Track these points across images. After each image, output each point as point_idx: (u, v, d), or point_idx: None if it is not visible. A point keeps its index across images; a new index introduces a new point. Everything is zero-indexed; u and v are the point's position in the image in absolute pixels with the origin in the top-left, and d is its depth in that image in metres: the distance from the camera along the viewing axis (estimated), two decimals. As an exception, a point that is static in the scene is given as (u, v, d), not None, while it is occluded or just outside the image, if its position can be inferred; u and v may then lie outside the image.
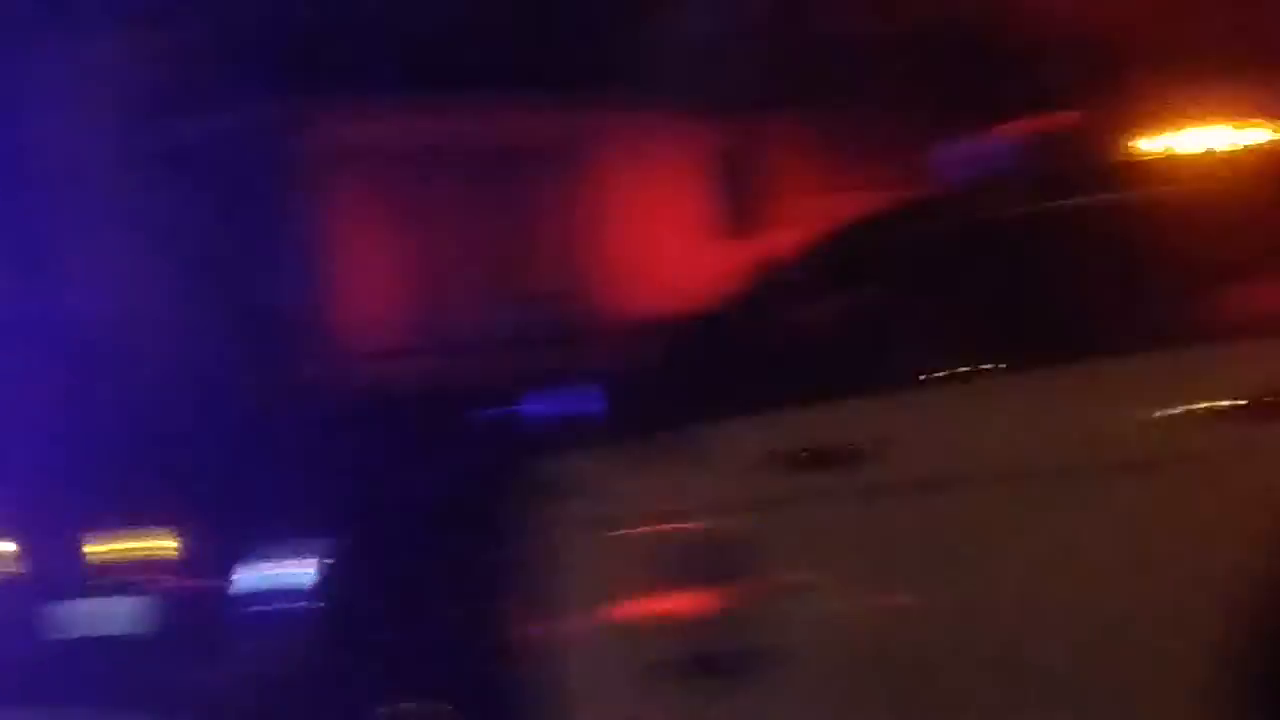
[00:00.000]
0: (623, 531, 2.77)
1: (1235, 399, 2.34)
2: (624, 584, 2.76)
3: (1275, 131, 2.64)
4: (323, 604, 3.04)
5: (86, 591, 4.28)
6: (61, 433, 4.81)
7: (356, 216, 7.40)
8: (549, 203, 7.87)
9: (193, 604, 3.82)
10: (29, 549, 4.45)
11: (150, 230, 7.45)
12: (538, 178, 7.83)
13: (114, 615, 4.21)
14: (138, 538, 4.22)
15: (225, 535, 3.59)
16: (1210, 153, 2.64)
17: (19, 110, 7.55)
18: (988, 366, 2.64)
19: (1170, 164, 2.66)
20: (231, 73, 7.10)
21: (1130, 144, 2.70)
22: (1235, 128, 2.66)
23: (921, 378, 2.67)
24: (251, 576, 3.21)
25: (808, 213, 6.18)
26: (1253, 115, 2.66)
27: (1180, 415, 2.39)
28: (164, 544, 4.15)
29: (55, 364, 5.58)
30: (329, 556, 3.05)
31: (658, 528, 2.76)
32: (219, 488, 3.92)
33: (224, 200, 7.15)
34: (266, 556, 3.18)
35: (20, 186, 7.40)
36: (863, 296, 2.89)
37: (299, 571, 3.09)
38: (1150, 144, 2.68)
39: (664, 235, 7.84)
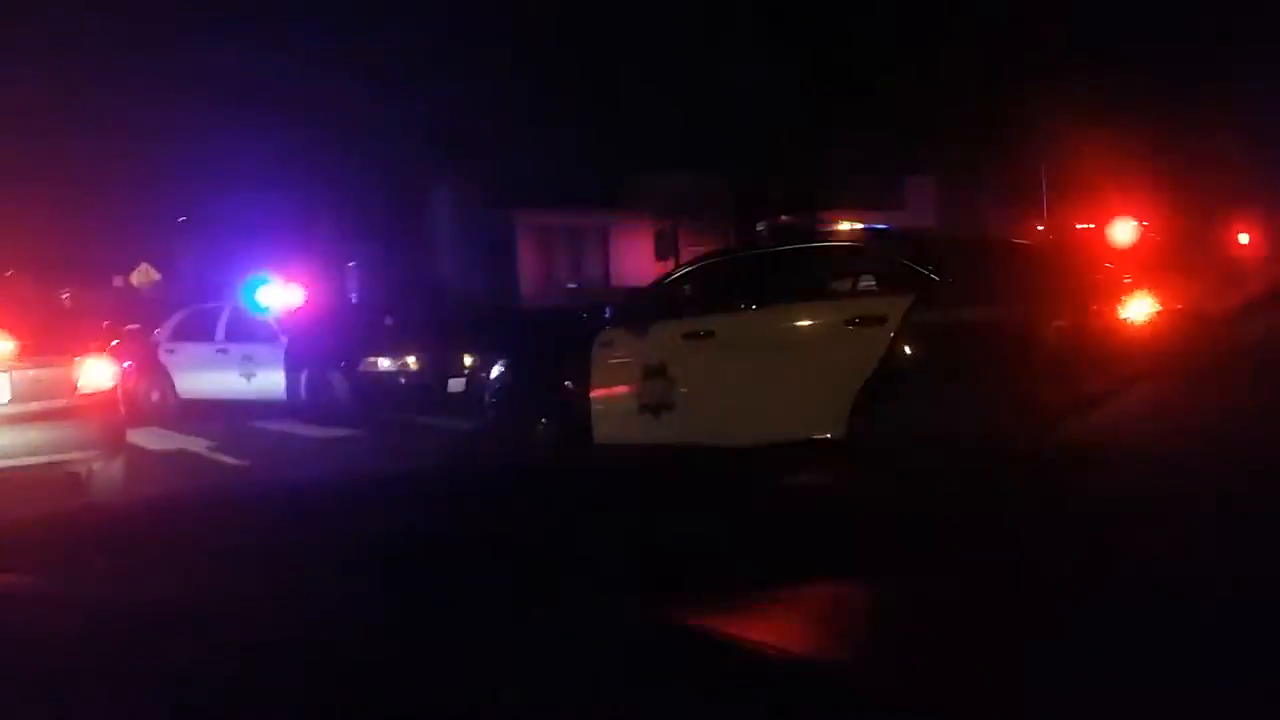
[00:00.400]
0: (620, 358, 7.59)
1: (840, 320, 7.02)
2: (619, 378, 7.56)
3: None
4: (505, 380, 8.03)
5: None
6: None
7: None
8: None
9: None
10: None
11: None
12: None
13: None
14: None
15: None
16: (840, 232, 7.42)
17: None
18: (750, 304, 7.43)
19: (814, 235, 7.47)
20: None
21: (808, 227, 7.48)
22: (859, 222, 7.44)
23: (728, 305, 7.47)
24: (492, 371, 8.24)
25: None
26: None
27: (815, 325, 7.12)
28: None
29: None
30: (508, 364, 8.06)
31: (633, 358, 7.55)
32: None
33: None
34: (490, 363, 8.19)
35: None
36: (707, 281, 7.70)
37: (498, 370, 8.08)
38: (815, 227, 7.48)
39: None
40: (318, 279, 16.77)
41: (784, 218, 7.24)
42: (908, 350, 6.61)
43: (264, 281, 14.52)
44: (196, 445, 11.19)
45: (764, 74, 17.18)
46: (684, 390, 7.23)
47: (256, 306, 14.33)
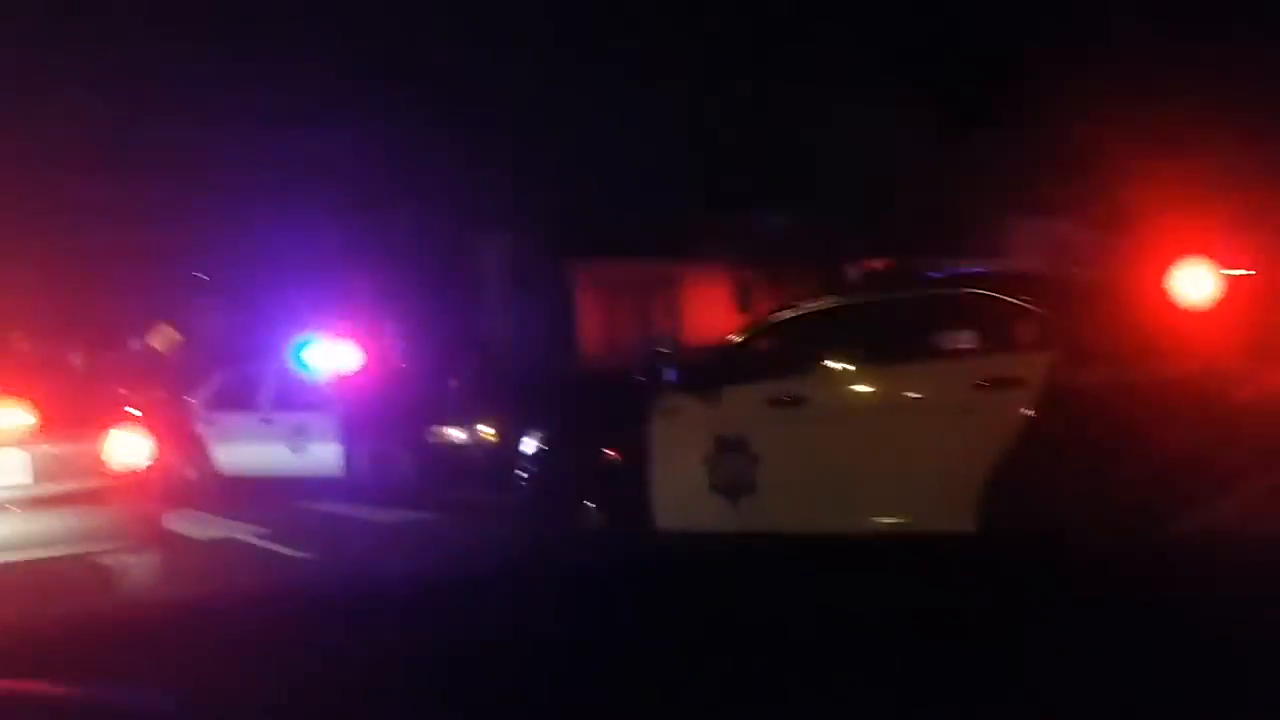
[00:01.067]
0: (687, 429, 6.25)
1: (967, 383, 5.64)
2: (686, 452, 6.22)
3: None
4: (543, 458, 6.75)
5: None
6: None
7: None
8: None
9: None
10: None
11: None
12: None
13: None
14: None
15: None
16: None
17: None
18: (848, 364, 6.07)
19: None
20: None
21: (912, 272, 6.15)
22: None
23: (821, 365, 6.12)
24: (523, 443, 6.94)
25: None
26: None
27: (935, 389, 5.74)
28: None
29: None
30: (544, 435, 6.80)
31: (703, 429, 6.21)
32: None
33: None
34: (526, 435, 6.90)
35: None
36: (793, 337, 6.36)
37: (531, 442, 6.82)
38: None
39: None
40: (372, 338, 15.54)
41: (878, 262, 5.90)
42: (1053, 419, 5.49)
43: (314, 341, 13.10)
44: (244, 532, 9.84)
45: (856, 103, 15.97)
46: (767, 468, 6.14)
47: (307, 369, 12.91)
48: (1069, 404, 5.51)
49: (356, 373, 12.91)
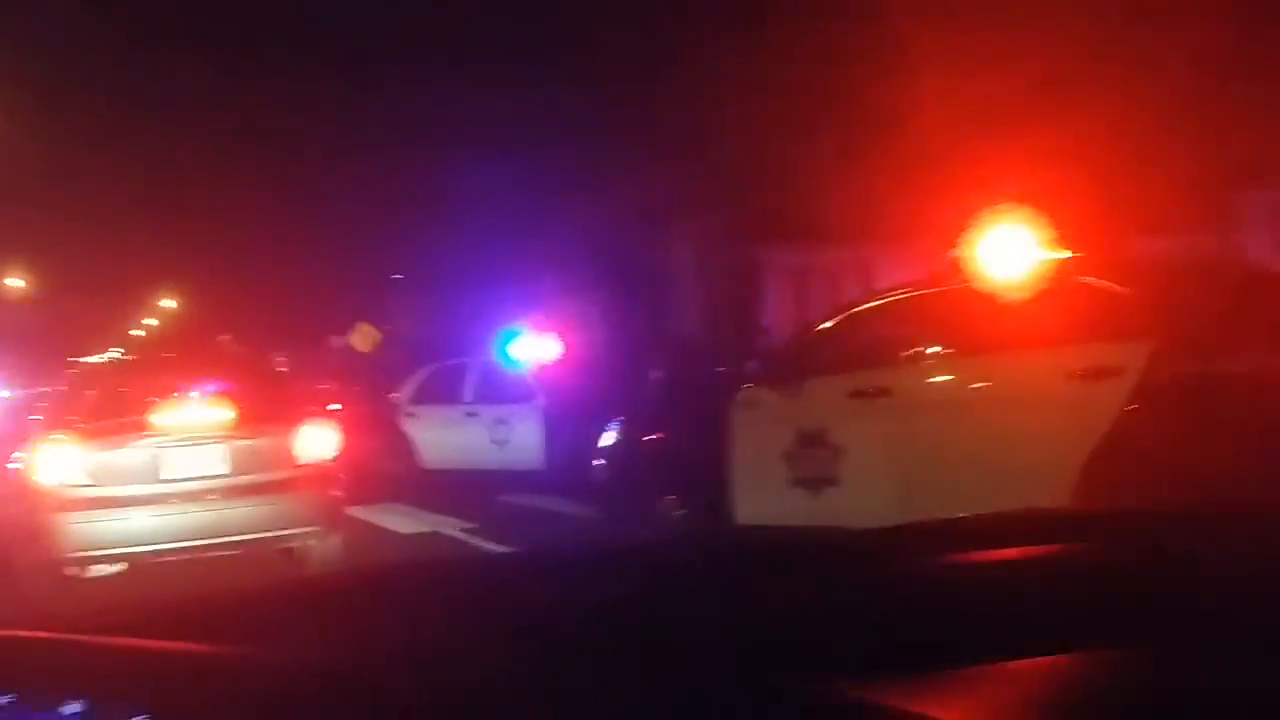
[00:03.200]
0: (767, 422, 6.32)
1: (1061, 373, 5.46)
2: (767, 446, 6.29)
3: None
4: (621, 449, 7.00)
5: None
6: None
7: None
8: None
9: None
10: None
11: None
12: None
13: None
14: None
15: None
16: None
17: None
18: (931, 354, 5.96)
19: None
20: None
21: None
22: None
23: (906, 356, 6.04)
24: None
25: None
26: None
27: (1026, 380, 5.58)
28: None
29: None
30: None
31: (784, 421, 6.27)
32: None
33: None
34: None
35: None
36: (875, 326, 6.29)
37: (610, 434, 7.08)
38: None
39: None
40: (572, 329, 16.10)
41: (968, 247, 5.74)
42: (1152, 412, 5.27)
43: (518, 334, 13.60)
44: (450, 527, 9.93)
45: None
46: (849, 461, 6.11)
47: (511, 362, 13.32)
48: (1170, 396, 5.25)
49: (559, 366, 13.20)
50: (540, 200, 18.32)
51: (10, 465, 9.45)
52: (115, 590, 6.98)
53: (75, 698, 1.09)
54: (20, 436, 9.44)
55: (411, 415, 14.24)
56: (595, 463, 7.23)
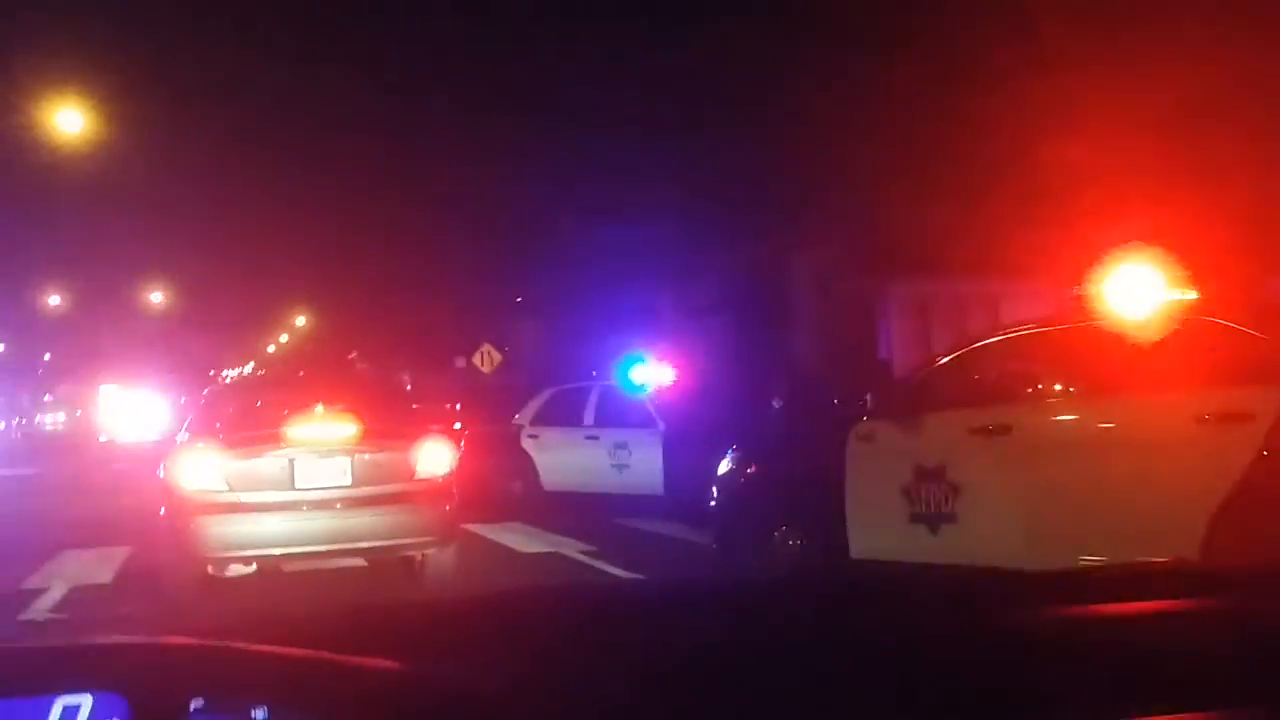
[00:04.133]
0: (885, 456, 6.32)
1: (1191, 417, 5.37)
2: (884, 480, 6.28)
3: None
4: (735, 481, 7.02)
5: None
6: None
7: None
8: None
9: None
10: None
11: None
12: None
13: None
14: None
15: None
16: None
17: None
18: (1058, 388, 5.88)
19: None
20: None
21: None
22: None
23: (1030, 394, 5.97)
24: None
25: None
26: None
27: (1154, 422, 5.48)
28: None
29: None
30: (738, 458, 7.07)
31: (902, 456, 6.26)
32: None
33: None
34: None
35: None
36: (999, 362, 6.23)
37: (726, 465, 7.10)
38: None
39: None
40: (694, 355, 16.20)
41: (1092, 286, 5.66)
42: None
43: (639, 359, 13.79)
44: (569, 548, 10.05)
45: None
46: (968, 498, 6.05)
47: (632, 387, 13.49)
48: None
49: (679, 392, 13.40)
50: (667, 233, 18.47)
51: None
52: (248, 591, 7.42)
53: (258, 704, 1.17)
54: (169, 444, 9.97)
55: (533, 437, 14.52)
56: (712, 495, 7.29)
